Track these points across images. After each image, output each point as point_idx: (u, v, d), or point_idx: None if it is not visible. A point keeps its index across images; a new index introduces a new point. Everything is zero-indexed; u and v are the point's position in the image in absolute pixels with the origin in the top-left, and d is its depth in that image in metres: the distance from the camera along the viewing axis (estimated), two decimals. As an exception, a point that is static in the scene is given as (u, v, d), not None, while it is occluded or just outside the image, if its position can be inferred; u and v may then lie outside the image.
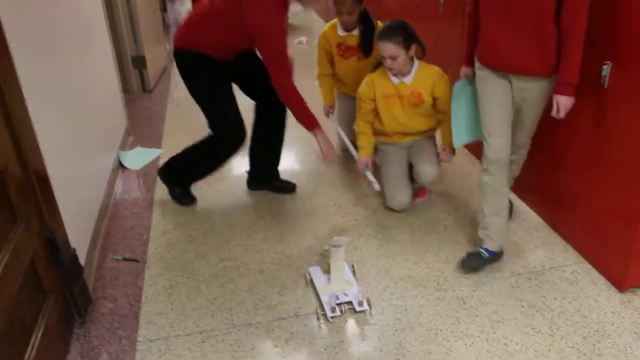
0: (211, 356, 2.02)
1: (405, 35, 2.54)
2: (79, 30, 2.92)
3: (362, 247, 2.65)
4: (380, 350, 2.04)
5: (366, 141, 2.86)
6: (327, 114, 3.38)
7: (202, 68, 2.67)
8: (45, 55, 2.26)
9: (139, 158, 3.59)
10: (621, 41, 2.10)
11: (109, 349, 2.06)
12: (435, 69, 2.72)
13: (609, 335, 2.12)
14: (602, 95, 2.23)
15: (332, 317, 2.18)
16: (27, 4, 2.09)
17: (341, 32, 3.14)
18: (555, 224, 2.75)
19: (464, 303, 2.27)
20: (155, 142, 3.89)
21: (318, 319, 2.19)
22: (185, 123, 4.22)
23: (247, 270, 2.49)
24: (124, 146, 3.72)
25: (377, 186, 2.77)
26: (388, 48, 2.54)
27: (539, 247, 2.63)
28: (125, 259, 2.58)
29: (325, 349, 2.05)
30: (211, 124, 2.80)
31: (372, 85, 2.75)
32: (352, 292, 2.28)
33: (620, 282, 2.35)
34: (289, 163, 3.49)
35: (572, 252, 2.60)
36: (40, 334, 1.81)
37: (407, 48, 2.56)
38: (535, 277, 2.44)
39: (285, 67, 2.59)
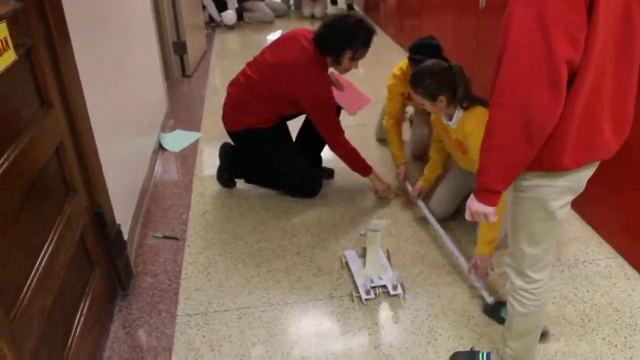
0: (248, 332, 2.09)
1: (428, 85, 2.26)
2: (125, 16, 3.00)
3: (397, 233, 2.69)
4: (413, 333, 2.08)
5: (430, 173, 2.82)
6: (404, 180, 3.03)
7: (265, 140, 2.83)
8: (95, 40, 2.34)
9: (178, 140, 3.68)
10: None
11: (150, 321, 2.15)
12: (472, 121, 2.28)
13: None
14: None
15: (366, 300, 2.22)
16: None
17: None
18: (589, 218, 2.74)
19: (497, 292, 2.29)
20: (195, 126, 3.97)
21: (352, 301, 2.24)
22: (223, 108, 4.29)
23: (284, 252, 2.55)
24: (164, 129, 3.81)
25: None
26: (413, 93, 2.36)
27: (572, 241, 2.63)
28: (165, 237, 2.67)
29: (359, 330, 2.10)
30: (292, 183, 2.99)
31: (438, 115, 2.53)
32: (387, 276, 2.32)
33: (656, 278, 2.34)
34: (325, 148, 3.53)
35: (606, 246, 2.58)
36: (88, 303, 1.90)
37: (432, 99, 2.30)
38: (569, 269, 2.44)
39: (338, 129, 2.78)
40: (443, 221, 2.70)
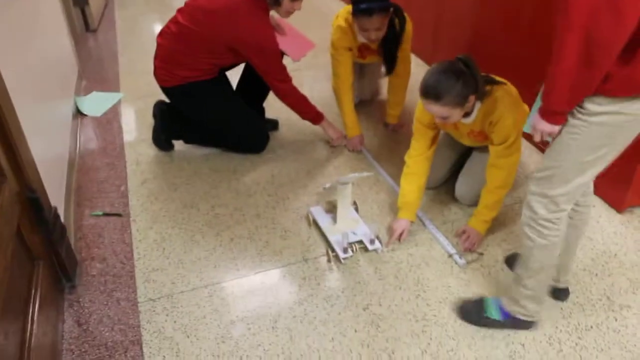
0: (223, 310, 1.89)
1: (459, 89, 1.85)
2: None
3: (359, 182, 2.54)
4: (400, 288, 1.97)
5: (410, 188, 2.22)
6: (358, 148, 2.80)
7: (204, 94, 2.56)
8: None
9: (98, 103, 3.29)
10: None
11: (109, 312, 1.89)
12: (499, 106, 1.99)
13: (615, 255, 2.13)
14: None
15: (344, 258, 2.08)
16: None
17: (361, 38, 2.63)
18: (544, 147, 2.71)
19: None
20: (112, 85, 3.58)
21: (329, 260, 2.09)
22: (140, 62, 3.89)
23: (243, 216, 2.34)
24: (78, 92, 3.39)
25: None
26: (435, 110, 1.90)
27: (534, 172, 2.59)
28: (106, 214, 2.37)
29: (342, 292, 1.96)
30: (237, 138, 2.74)
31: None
32: (361, 230, 2.18)
33: (619, 203, 2.35)
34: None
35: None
36: (37, 305, 1.62)
37: (462, 104, 1.90)
38: (537, 201, 2.40)
39: (286, 76, 2.54)
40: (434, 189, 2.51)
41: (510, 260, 2.07)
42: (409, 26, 2.65)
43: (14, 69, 1.96)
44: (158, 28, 4.62)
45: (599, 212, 2.35)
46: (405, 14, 2.60)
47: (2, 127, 1.62)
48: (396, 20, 2.58)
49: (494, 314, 1.80)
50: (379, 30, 2.50)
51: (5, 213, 1.51)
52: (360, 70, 3.11)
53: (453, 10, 3.29)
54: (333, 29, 2.68)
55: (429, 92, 1.86)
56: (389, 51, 2.69)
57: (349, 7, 2.57)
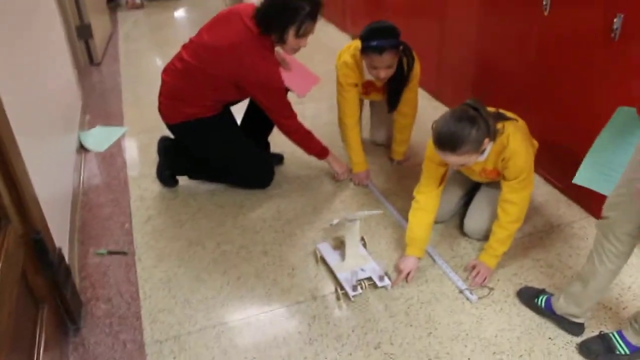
0: (232, 351, 1.84)
1: (475, 135, 1.81)
2: (28, 2, 2.57)
3: (366, 218, 2.51)
4: (411, 325, 1.93)
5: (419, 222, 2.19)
6: (364, 183, 2.77)
7: (209, 130, 2.55)
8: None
9: (101, 138, 3.28)
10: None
11: (115, 355, 1.85)
12: (512, 143, 1.97)
13: (629, 287, 2.09)
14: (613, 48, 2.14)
15: (353, 296, 2.04)
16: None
17: (369, 76, 2.60)
18: (553, 181, 2.69)
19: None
20: (116, 119, 3.57)
21: (338, 298, 2.05)
22: (144, 96, 3.90)
23: (250, 254, 2.31)
24: (82, 126, 3.39)
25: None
26: (452, 160, 1.88)
27: (543, 205, 2.57)
28: (110, 253, 2.34)
29: (353, 331, 1.91)
30: (242, 173, 2.75)
31: None
32: (369, 267, 2.14)
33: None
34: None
35: (576, 207, 2.55)
36: (41, 350, 1.58)
37: (477, 149, 1.86)
38: (547, 235, 2.38)
39: (291, 113, 2.54)
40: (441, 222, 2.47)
41: (523, 295, 2.04)
42: (417, 66, 2.60)
43: (19, 104, 1.95)
44: (161, 62, 4.64)
45: (610, 244, 2.31)
46: (414, 53, 2.55)
47: (5, 168, 1.60)
48: (404, 59, 2.54)
49: (621, 348, 1.75)
50: (389, 69, 2.46)
51: (10, 257, 1.48)
52: (372, 109, 3.09)
53: (456, 44, 3.30)
54: (338, 64, 2.64)
55: (445, 143, 1.84)
56: (394, 90, 2.64)
57: (355, 43, 2.55)
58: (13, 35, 2.21)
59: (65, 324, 1.93)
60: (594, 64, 2.25)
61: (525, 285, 2.08)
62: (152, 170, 2.87)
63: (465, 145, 1.82)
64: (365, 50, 2.42)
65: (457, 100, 2.11)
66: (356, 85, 2.65)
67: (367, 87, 2.72)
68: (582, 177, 1.87)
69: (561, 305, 1.86)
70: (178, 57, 2.49)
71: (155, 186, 2.80)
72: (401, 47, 2.45)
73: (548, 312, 1.92)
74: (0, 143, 1.57)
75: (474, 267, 2.15)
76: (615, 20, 2.07)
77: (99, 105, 3.82)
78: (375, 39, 2.38)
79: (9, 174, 1.61)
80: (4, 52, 2.01)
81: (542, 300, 1.95)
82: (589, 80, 2.30)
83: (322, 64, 3.53)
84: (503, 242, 2.11)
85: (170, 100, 2.51)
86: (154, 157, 2.97)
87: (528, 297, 2.01)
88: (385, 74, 2.47)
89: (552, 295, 1.94)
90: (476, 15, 2.99)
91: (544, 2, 2.40)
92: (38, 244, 1.73)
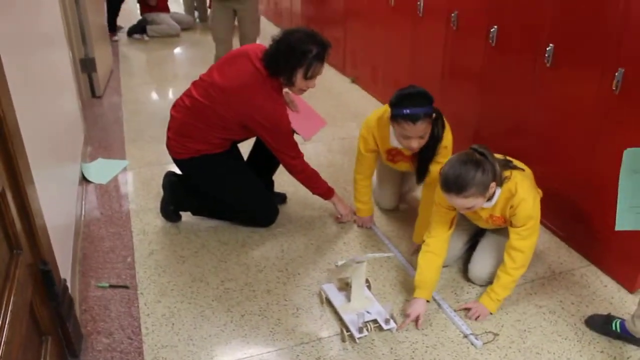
0: (235, 392, 1.82)
1: (480, 178, 1.87)
2: (40, 34, 2.60)
3: (370, 260, 2.51)
4: (417, 371, 1.92)
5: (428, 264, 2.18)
6: (368, 225, 2.77)
7: (217, 167, 2.58)
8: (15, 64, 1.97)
9: (104, 170, 3.28)
10: (636, 46, 2.07)
11: (115, 392, 1.82)
12: (521, 189, 2.01)
13: (632, 335, 2.10)
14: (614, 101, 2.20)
15: (359, 338, 2.02)
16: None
17: (395, 143, 2.42)
18: (554, 229, 2.72)
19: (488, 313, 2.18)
20: (118, 153, 3.58)
21: (343, 340, 2.03)
22: (146, 129, 3.92)
23: (253, 292, 2.29)
24: (84, 158, 3.39)
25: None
26: (458, 202, 1.93)
27: (544, 252, 2.59)
28: (112, 286, 2.31)
29: (358, 374, 1.90)
30: (246, 211, 2.74)
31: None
32: (375, 309, 2.13)
33: (630, 284, 2.34)
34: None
35: (576, 255, 2.57)
36: (45, 385, 1.55)
37: (484, 193, 1.92)
38: (548, 282, 2.39)
39: (298, 153, 2.57)
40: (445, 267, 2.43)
41: (594, 323, 2.12)
42: (449, 136, 2.40)
43: (32, 135, 1.96)
44: (161, 97, 4.69)
45: (611, 292, 2.33)
46: (446, 121, 2.37)
47: (20, 197, 1.60)
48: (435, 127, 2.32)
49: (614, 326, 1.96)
50: (422, 139, 2.26)
51: (21, 287, 1.47)
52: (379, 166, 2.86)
53: (458, 96, 3.33)
54: (363, 126, 2.55)
55: (451, 185, 1.88)
56: (424, 160, 2.41)
57: (385, 107, 2.40)
58: (29, 67, 2.24)
59: (66, 357, 1.89)
60: (596, 116, 2.32)
61: (593, 313, 2.16)
62: (154, 204, 2.87)
63: (471, 188, 1.86)
64: (395, 118, 2.21)
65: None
66: (375, 150, 2.58)
67: (394, 155, 2.54)
68: (622, 223, 1.84)
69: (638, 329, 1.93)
70: (187, 94, 2.52)
71: (157, 220, 2.79)
72: (434, 115, 2.26)
73: (624, 335, 2.02)
74: (16, 172, 1.57)
75: (469, 309, 2.17)
76: (616, 74, 2.15)
77: (101, 137, 3.83)
78: (408, 106, 2.17)
79: (22, 203, 1.61)
80: (21, 82, 2.03)
81: (616, 325, 2.03)
82: (590, 131, 2.36)
83: (322, 106, 3.57)
84: (506, 287, 2.13)
85: (178, 136, 2.53)
86: (155, 192, 2.97)
87: (601, 324, 2.09)
88: (417, 144, 2.26)
89: (622, 319, 2.03)
90: (479, 69, 3.05)
91: (546, 55, 2.48)
92: (45, 275, 1.71)
